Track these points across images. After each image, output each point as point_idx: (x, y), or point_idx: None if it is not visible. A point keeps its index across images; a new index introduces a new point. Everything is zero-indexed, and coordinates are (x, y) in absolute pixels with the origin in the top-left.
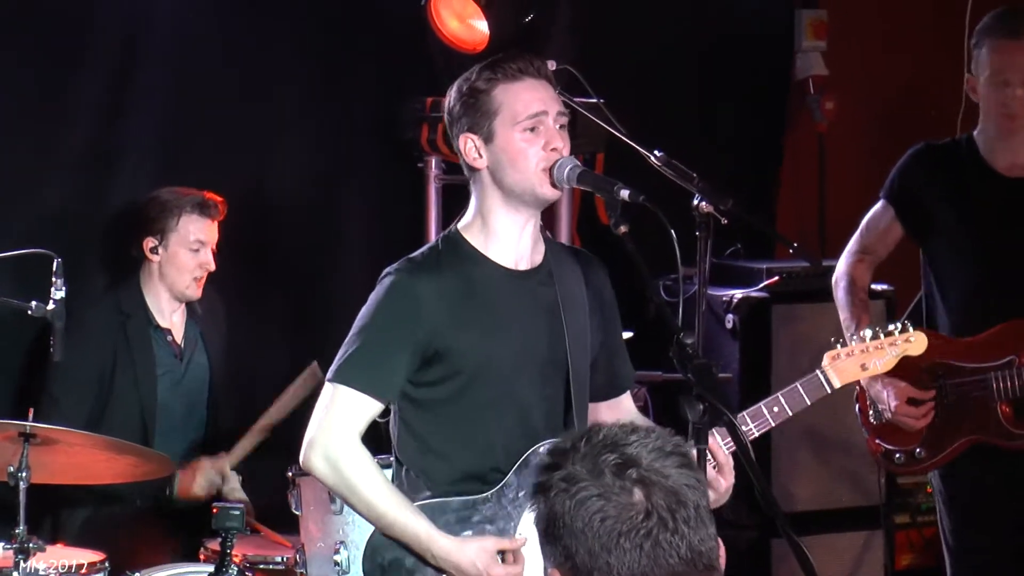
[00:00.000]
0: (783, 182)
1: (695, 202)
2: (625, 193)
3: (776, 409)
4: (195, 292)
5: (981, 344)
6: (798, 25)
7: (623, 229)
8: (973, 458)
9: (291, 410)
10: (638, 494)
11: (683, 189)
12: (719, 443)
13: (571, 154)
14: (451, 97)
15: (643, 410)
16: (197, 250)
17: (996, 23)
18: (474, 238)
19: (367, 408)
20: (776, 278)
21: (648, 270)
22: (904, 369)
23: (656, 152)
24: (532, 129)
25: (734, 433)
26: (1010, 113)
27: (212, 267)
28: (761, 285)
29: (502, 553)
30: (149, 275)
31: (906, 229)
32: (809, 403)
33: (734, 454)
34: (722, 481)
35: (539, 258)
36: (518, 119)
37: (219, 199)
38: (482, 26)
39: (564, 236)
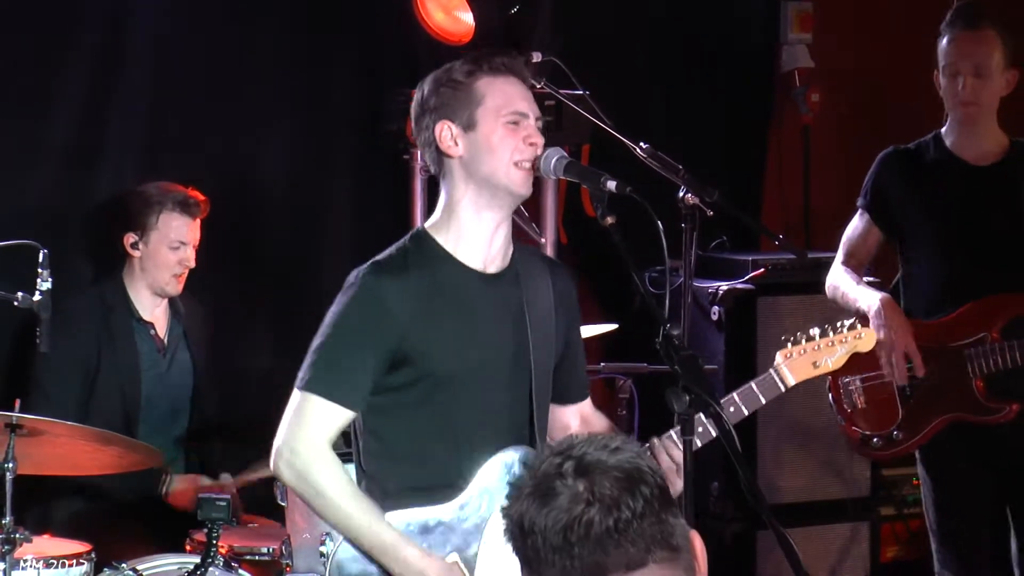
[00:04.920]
0: (768, 174)
1: (681, 194)
2: (612, 184)
3: (732, 409)
4: (175, 288)
5: (952, 323)
6: (784, 18)
7: (609, 220)
8: (950, 438)
9: None
10: (581, 485)
11: (669, 181)
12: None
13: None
14: (425, 87)
15: (629, 402)
16: (177, 248)
17: (953, 16)
18: (442, 237)
19: (336, 417)
20: (761, 270)
21: (634, 262)
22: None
23: (642, 144)
24: (514, 123)
25: (720, 424)
26: (964, 101)
27: (192, 264)
28: (746, 277)
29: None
30: (131, 269)
31: (882, 230)
32: (764, 402)
33: (719, 443)
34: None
35: (507, 261)
36: (502, 112)
37: (202, 197)
38: (467, 18)
39: (550, 227)
